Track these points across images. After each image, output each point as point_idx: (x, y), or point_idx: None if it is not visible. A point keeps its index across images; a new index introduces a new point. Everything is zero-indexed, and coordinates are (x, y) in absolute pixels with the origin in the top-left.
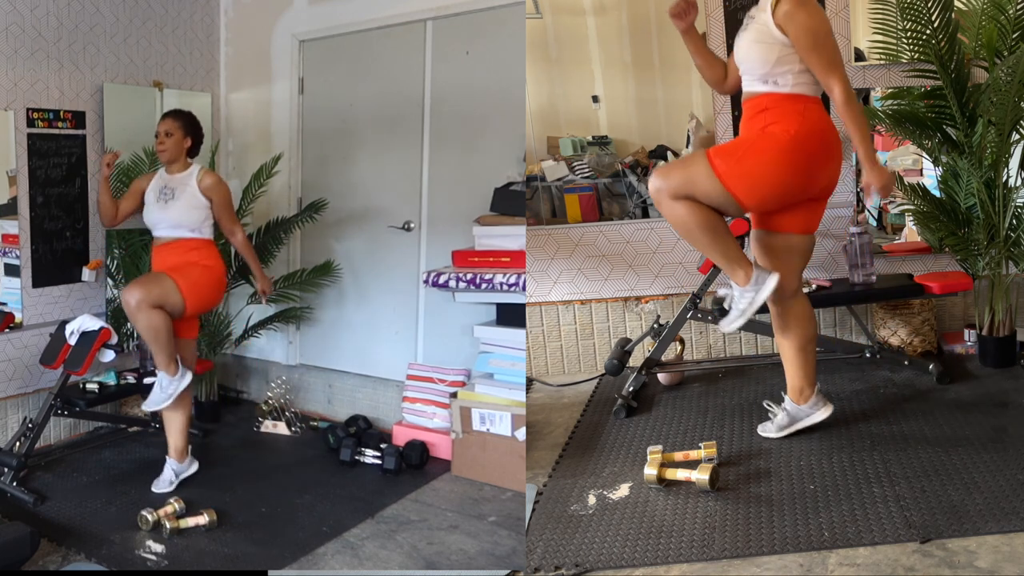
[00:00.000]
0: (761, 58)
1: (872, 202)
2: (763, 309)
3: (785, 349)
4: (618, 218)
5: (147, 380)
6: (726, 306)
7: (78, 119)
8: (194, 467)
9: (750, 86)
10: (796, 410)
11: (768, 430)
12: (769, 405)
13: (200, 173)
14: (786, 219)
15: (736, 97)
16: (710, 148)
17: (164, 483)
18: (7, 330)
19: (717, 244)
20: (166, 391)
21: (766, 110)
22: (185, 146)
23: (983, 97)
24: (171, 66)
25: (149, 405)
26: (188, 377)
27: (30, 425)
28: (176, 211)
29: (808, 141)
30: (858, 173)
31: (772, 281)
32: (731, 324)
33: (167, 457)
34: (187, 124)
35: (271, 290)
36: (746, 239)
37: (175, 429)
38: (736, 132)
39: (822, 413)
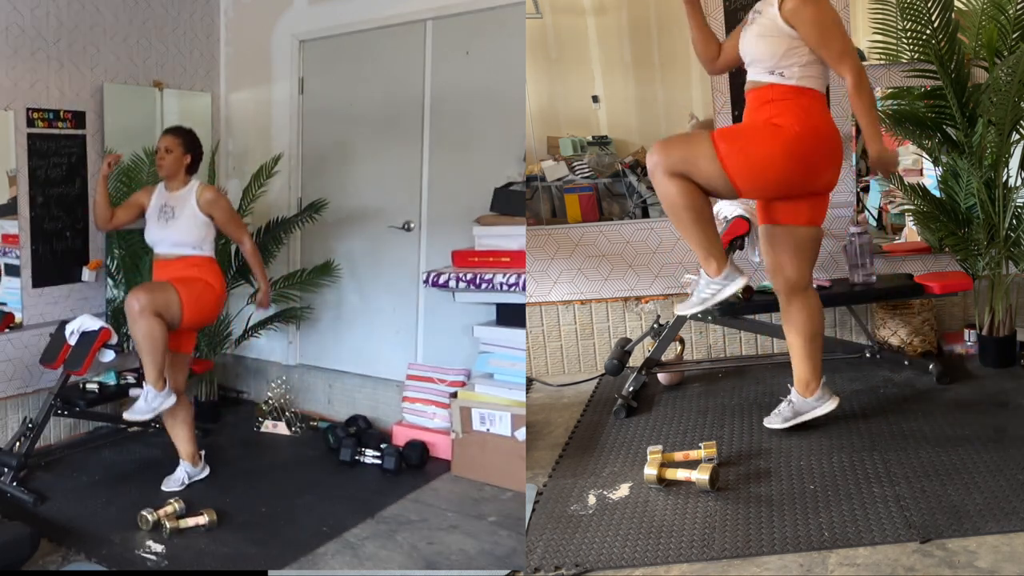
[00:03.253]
0: (769, 51)
1: (879, 183)
2: (773, 307)
3: (792, 341)
4: (618, 218)
5: (133, 392)
6: (689, 291)
7: (78, 119)
8: (206, 472)
9: (756, 76)
10: (802, 403)
11: (773, 422)
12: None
13: (199, 189)
14: (790, 212)
15: (736, 96)
16: (714, 130)
17: (175, 482)
18: (7, 330)
19: (699, 230)
20: (150, 404)
21: (771, 101)
22: (184, 163)
23: (983, 97)
24: (171, 66)
25: (132, 415)
26: (173, 398)
27: (30, 425)
28: (177, 230)
29: (810, 139)
30: (858, 173)
31: (740, 283)
32: (688, 309)
33: (182, 460)
34: (187, 141)
35: (268, 303)
36: (746, 239)
37: (182, 438)
38: None
39: (828, 405)
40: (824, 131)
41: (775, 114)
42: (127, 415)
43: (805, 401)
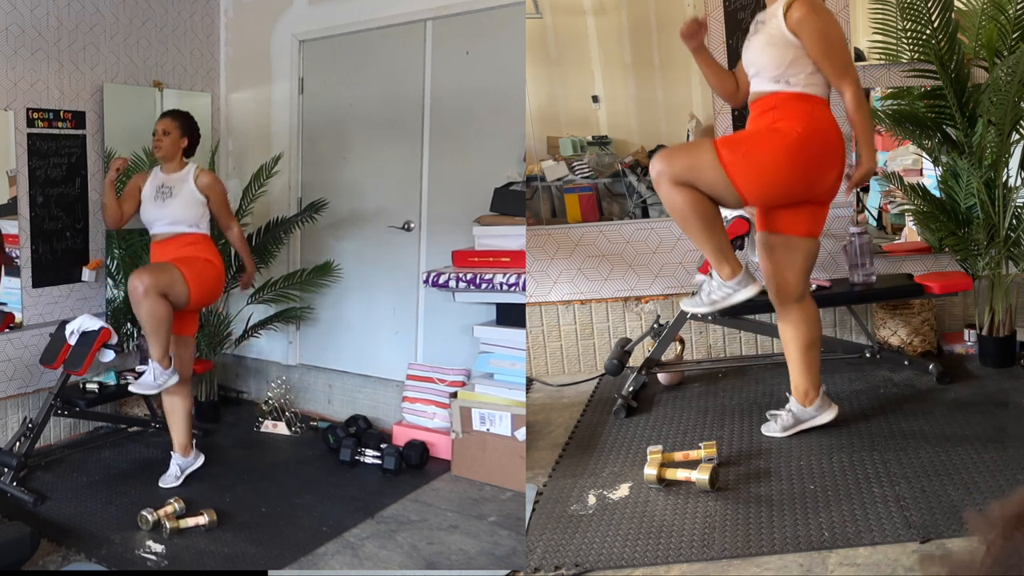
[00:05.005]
0: (775, 61)
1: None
2: (767, 307)
3: (790, 351)
4: (618, 218)
5: (139, 367)
6: (698, 290)
7: (78, 119)
8: (200, 460)
9: (760, 86)
10: (801, 411)
11: (772, 430)
12: (772, 415)
13: (196, 171)
14: (789, 221)
15: None
16: (717, 138)
17: (170, 478)
18: (7, 330)
19: (711, 235)
20: (157, 380)
21: (774, 108)
22: (182, 145)
23: (983, 97)
24: (171, 66)
25: (138, 388)
26: (177, 377)
27: (30, 425)
28: (175, 208)
29: (814, 141)
30: None
31: (751, 290)
32: (696, 308)
33: (172, 453)
34: (184, 124)
35: (252, 283)
36: (746, 239)
37: (177, 425)
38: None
39: (827, 415)
40: (827, 134)
41: (778, 119)
42: (133, 387)
43: (804, 410)
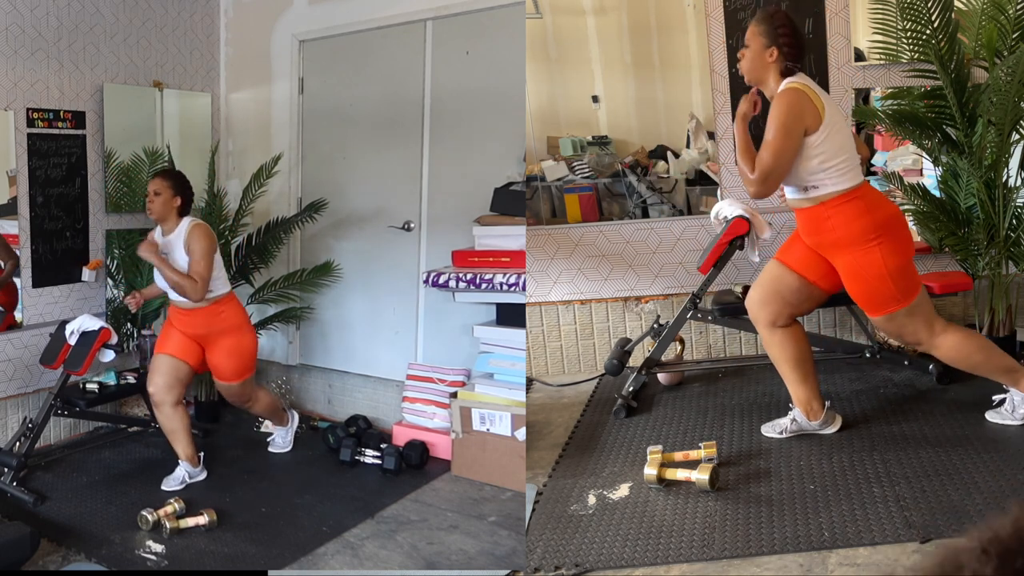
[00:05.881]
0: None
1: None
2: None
3: (780, 369)
4: (618, 218)
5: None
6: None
7: (78, 119)
8: (204, 474)
9: (791, 195)
10: (806, 423)
11: (771, 432)
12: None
13: (188, 228)
14: (824, 274)
15: (736, 96)
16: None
17: (175, 481)
18: (7, 330)
19: (998, 361)
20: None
21: (829, 218)
22: (174, 205)
23: (983, 97)
24: (171, 66)
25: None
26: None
27: (30, 425)
28: None
29: (896, 234)
30: None
31: (834, 429)
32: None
33: (181, 461)
34: (176, 184)
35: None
36: (745, 239)
37: (181, 442)
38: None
39: (831, 428)
40: (894, 223)
41: (842, 237)
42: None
43: (810, 423)
